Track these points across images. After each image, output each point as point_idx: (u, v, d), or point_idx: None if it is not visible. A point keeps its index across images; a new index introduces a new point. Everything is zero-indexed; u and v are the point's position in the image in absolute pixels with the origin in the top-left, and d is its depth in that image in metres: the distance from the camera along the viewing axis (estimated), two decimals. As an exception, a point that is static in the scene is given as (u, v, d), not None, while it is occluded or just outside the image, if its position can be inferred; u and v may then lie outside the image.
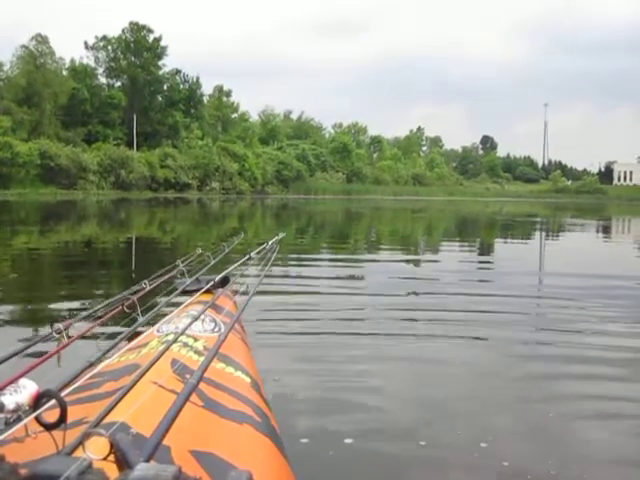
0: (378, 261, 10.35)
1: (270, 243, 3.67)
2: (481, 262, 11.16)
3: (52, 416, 1.10)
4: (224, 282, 2.83)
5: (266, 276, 2.95)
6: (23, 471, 0.84)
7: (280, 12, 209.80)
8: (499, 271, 9.47)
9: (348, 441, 2.61)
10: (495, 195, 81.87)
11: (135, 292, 2.34)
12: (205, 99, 70.59)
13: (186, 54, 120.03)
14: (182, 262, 2.95)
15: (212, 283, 2.78)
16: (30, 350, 1.60)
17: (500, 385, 3.64)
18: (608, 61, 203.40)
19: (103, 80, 64.40)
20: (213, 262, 3.10)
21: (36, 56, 55.80)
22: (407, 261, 10.79)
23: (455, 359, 4.21)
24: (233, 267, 2.97)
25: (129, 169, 51.97)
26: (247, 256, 3.30)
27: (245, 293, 2.65)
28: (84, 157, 49.65)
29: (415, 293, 6.70)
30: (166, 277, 2.76)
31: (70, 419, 1.11)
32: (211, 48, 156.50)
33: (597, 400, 3.35)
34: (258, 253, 3.42)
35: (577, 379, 3.75)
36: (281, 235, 4.02)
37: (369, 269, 9.14)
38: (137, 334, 1.88)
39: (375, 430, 2.83)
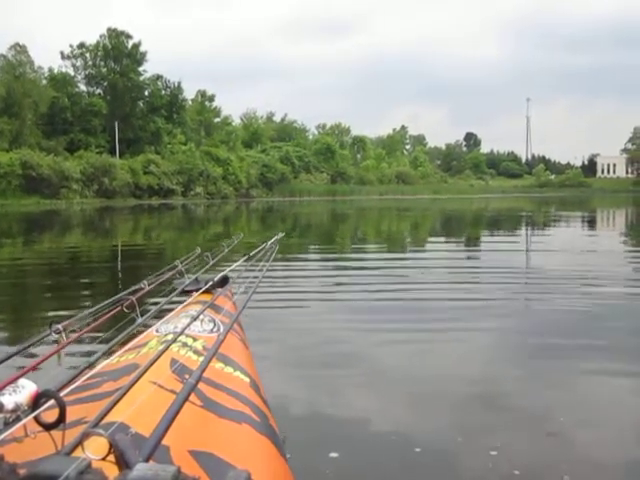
0: (371, 257, 10.42)
1: (269, 243, 3.67)
2: (475, 254, 11.27)
3: (51, 416, 1.10)
4: (223, 282, 2.83)
5: (265, 276, 2.94)
6: (22, 471, 0.83)
7: (262, 14, 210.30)
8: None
9: (333, 455, 2.43)
10: (480, 191, 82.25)
11: (134, 292, 2.34)
12: (188, 104, 70.31)
13: (167, 59, 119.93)
14: (181, 262, 2.94)
15: (211, 283, 2.78)
16: (29, 350, 1.61)
17: (502, 382, 3.52)
18: (589, 56, 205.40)
19: (83, 88, 64.06)
20: (212, 262, 3.10)
21: (15, 65, 55.31)
22: (404, 256, 10.83)
23: (451, 348, 4.21)
24: (232, 267, 2.97)
25: (112, 177, 51.59)
26: (246, 256, 3.30)
27: (244, 293, 2.65)
28: (66, 166, 49.19)
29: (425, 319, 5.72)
30: (165, 277, 2.75)
31: (69, 419, 1.11)
32: (192, 52, 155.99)
33: (610, 395, 3.25)
34: (257, 253, 3.42)
35: (586, 372, 3.66)
36: (280, 235, 4.02)
37: (363, 266, 9.26)
38: (136, 334, 1.87)
39: (364, 436, 2.67)
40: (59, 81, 59.81)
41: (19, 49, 55.79)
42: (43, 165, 47.44)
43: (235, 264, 3.08)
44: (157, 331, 2.04)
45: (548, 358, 3.95)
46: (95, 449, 0.92)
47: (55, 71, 61.33)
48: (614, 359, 3.93)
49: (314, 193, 67.16)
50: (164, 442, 1.07)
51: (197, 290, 2.69)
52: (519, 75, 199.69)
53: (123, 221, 26.19)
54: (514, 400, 3.19)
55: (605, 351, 4.12)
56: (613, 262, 9.21)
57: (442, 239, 15.24)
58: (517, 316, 5.37)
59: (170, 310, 2.15)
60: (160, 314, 2.19)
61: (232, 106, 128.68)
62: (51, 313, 5.64)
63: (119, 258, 11.69)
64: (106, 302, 2.14)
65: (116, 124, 58.85)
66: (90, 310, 2.01)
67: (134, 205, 44.47)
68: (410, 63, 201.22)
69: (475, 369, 3.75)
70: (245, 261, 3.25)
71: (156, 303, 2.26)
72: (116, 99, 61.82)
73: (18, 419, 1.10)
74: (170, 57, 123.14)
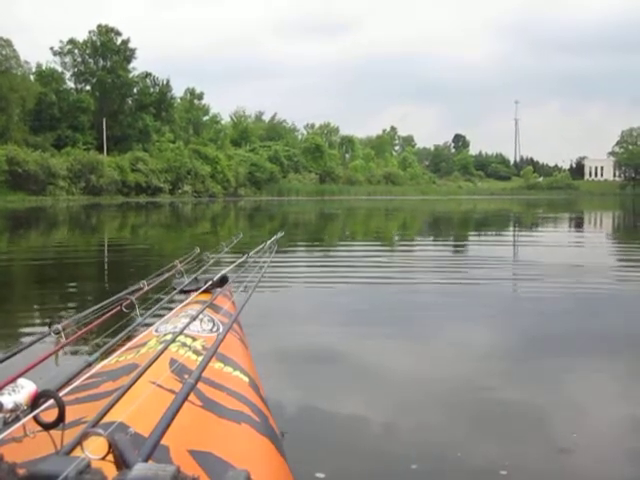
0: (364, 253, 10.47)
1: (268, 243, 3.69)
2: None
3: (50, 416, 1.10)
4: (222, 282, 2.83)
5: (265, 275, 2.93)
6: (21, 471, 0.83)
7: (253, 13, 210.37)
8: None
9: (320, 475, 2.25)
10: (468, 193, 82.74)
11: (133, 292, 2.34)
12: (176, 102, 70.03)
13: (158, 57, 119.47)
14: (180, 262, 2.95)
15: (210, 283, 2.78)
16: (28, 350, 1.59)
17: (505, 386, 3.36)
18: (578, 61, 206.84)
19: (71, 84, 63.69)
20: (211, 262, 3.11)
21: (0, 60, 54.78)
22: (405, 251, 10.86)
23: (447, 345, 4.19)
24: (232, 267, 2.98)
25: (99, 174, 51.29)
26: (245, 256, 3.31)
27: (244, 293, 2.64)
28: (53, 162, 48.83)
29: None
30: (164, 277, 2.74)
31: (68, 419, 1.11)
32: (183, 50, 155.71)
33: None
34: (257, 253, 3.43)
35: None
36: (280, 235, 4.04)
37: (358, 262, 9.41)
38: (135, 334, 1.87)
39: (355, 451, 2.48)
40: (46, 77, 59.40)
41: (4, 43, 55.14)
42: (29, 161, 47.04)
43: (234, 263, 3.07)
44: (156, 331, 2.04)
45: (550, 356, 3.91)
46: (94, 449, 0.92)
47: (43, 67, 60.97)
48: (620, 357, 3.91)
49: (302, 193, 67.13)
50: (163, 442, 1.07)
51: (196, 290, 2.69)
52: (508, 77, 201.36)
53: (111, 219, 26.05)
54: (518, 407, 3.04)
55: (608, 348, 4.10)
56: (597, 259, 9.71)
57: (432, 238, 15.30)
58: (509, 311, 5.45)
59: (169, 310, 2.15)
60: (159, 314, 2.19)
61: (222, 105, 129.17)
62: (38, 308, 5.59)
63: (105, 256, 11.61)
64: (105, 302, 2.13)
65: (104, 121, 58.55)
66: (89, 310, 1.99)
67: (121, 203, 44.25)
68: (401, 64, 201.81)
69: (474, 371, 3.68)
70: (244, 260, 3.26)
71: (155, 303, 2.25)
72: (104, 96, 61.53)
73: (17, 419, 1.10)
74: (161, 54, 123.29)
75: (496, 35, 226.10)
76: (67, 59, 63.46)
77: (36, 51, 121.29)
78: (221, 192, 60.61)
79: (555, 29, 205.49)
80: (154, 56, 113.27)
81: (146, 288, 2.42)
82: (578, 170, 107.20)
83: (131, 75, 64.68)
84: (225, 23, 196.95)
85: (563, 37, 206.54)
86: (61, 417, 1.10)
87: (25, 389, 1.14)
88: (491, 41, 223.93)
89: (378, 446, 2.54)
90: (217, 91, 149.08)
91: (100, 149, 56.29)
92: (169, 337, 1.78)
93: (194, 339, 1.99)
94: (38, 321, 4.90)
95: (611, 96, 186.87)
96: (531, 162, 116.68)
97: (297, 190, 68.02)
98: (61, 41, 63.64)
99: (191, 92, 74.24)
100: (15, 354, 1.50)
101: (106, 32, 63.49)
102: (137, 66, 65.55)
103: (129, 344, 1.80)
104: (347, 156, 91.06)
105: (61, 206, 37.92)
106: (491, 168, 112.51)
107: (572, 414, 2.96)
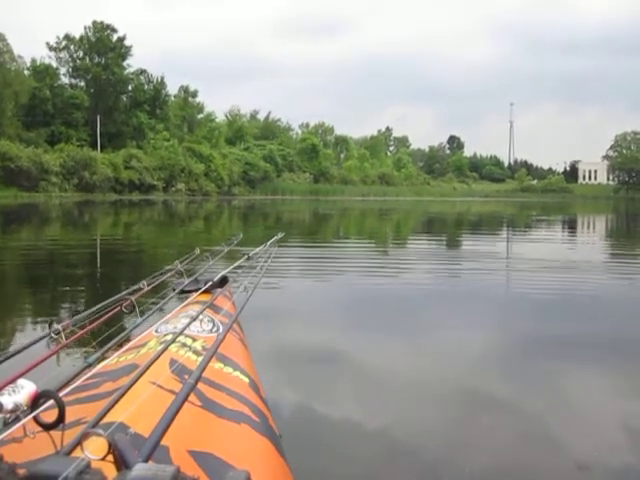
0: (360, 252, 10.46)
1: (268, 244, 3.70)
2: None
3: (50, 416, 1.10)
4: (223, 282, 2.85)
5: (265, 275, 2.94)
6: (21, 471, 0.84)
7: (252, 13, 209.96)
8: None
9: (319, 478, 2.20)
10: (462, 194, 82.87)
11: (133, 292, 2.35)
12: (170, 99, 69.90)
13: (156, 55, 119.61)
14: (180, 262, 2.96)
15: (210, 283, 2.79)
16: (28, 350, 1.59)
17: (515, 393, 3.27)
18: (576, 63, 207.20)
19: (66, 80, 63.50)
20: (212, 262, 3.12)
21: (-6, 55, 54.45)
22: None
23: (447, 344, 4.19)
24: (232, 267, 2.99)
25: (92, 171, 51.13)
26: (245, 256, 3.32)
27: (244, 293, 2.64)
28: (46, 158, 48.64)
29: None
30: (165, 277, 2.74)
31: (68, 419, 1.11)
32: (182, 49, 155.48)
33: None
34: (256, 253, 3.45)
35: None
36: (279, 235, 4.04)
37: (355, 260, 9.45)
38: (135, 334, 1.86)
39: (355, 452, 2.42)
40: (41, 72, 59.15)
41: (-4, 38, 54.79)
42: (22, 157, 46.86)
43: (235, 264, 3.08)
44: (156, 331, 2.05)
45: (549, 357, 3.90)
46: (94, 449, 0.92)
47: (37, 62, 60.71)
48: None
49: (296, 192, 67.12)
50: (163, 442, 1.07)
51: (196, 290, 2.71)
52: (504, 79, 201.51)
53: (104, 216, 25.97)
54: (526, 415, 2.96)
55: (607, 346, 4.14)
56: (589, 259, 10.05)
57: (427, 240, 15.35)
58: (507, 309, 5.50)
59: (169, 310, 2.14)
60: (159, 314, 2.18)
61: (220, 104, 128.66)
62: (35, 306, 5.57)
63: (98, 254, 11.57)
64: (105, 302, 2.13)
65: (98, 118, 58.38)
66: (89, 310, 1.99)
67: (114, 200, 44.12)
68: (398, 65, 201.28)
69: (475, 372, 3.66)
70: (244, 261, 3.27)
71: (155, 303, 2.25)
72: (99, 93, 61.40)
73: (17, 419, 1.10)
74: (160, 54, 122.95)
75: (493, 37, 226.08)
76: (62, 55, 63.33)
77: (32, 46, 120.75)
78: (215, 190, 60.52)
79: (553, 31, 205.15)
80: (153, 55, 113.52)
81: (146, 289, 2.42)
82: (572, 173, 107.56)
83: (126, 72, 64.54)
84: (224, 23, 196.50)
85: (561, 39, 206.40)
86: (61, 417, 1.09)
87: (25, 389, 1.14)
88: (488, 43, 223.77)
89: (378, 449, 2.52)
90: (216, 90, 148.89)
91: (94, 146, 56.11)
92: (169, 337, 1.78)
93: (194, 339, 1.99)
94: (36, 320, 4.86)
95: (607, 100, 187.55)
96: (525, 165, 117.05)
97: (291, 189, 68.02)
98: (57, 37, 63.59)
99: (185, 90, 74.07)
100: (15, 354, 1.50)
101: (102, 29, 63.34)
102: (136, 64, 65.80)
103: (129, 344, 1.82)
104: (342, 156, 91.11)
105: (53, 202, 37.80)
106: (485, 170, 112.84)
107: (573, 419, 2.93)
